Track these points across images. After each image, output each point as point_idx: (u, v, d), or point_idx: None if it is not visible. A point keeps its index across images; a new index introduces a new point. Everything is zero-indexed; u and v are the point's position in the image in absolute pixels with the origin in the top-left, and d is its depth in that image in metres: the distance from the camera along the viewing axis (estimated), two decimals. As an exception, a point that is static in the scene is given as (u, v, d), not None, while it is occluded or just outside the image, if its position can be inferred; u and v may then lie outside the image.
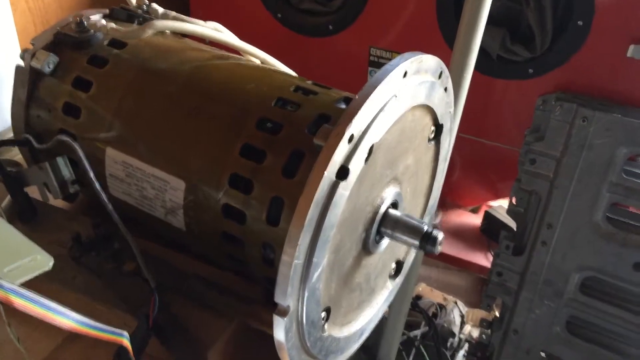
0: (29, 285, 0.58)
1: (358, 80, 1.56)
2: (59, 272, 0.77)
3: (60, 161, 0.78)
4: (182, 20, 0.86)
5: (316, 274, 0.61)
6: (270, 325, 0.61)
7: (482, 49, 1.11)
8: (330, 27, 1.52)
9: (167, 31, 0.92)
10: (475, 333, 1.74)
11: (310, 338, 0.65)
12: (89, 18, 0.85)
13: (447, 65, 0.98)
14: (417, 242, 0.72)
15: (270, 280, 0.63)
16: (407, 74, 0.66)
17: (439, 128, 0.81)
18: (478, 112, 1.47)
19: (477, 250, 1.73)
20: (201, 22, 0.87)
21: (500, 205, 1.77)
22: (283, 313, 0.60)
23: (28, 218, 0.85)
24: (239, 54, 0.90)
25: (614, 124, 1.23)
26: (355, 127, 0.59)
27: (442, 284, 2.01)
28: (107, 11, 0.91)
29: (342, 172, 0.59)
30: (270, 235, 0.69)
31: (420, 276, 1.98)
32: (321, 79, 0.84)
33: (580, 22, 1.28)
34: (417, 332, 1.72)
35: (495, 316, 1.53)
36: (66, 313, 0.56)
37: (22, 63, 0.83)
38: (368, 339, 1.42)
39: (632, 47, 1.24)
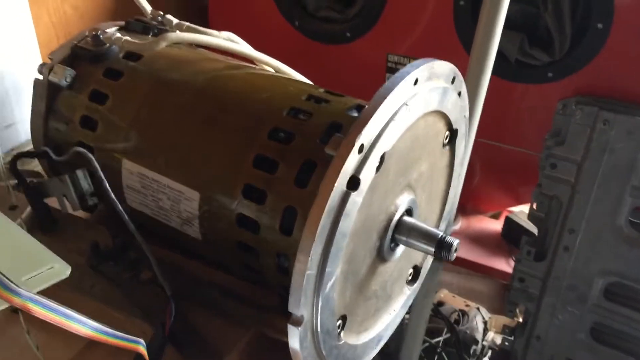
0: (49, 293, 0.59)
1: (375, 87, 1.52)
2: (78, 281, 0.79)
3: (80, 174, 0.79)
4: (196, 31, 0.86)
5: (330, 284, 0.61)
6: (286, 333, 0.62)
7: (500, 54, 1.10)
8: (348, 34, 1.53)
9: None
10: (499, 340, 1.71)
11: (325, 346, 0.65)
12: (105, 31, 0.87)
13: (465, 71, 0.97)
14: (432, 249, 0.71)
15: (286, 289, 0.63)
16: (419, 82, 0.66)
17: (453, 133, 0.80)
18: (497, 117, 1.45)
19: (499, 256, 1.71)
20: (215, 32, 0.88)
21: (521, 211, 1.75)
22: (297, 323, 0.60)
23: (48, 228, 0.86)
24: (254, 63, 0.91)
25: (635, 127, 1.21)
26: (365, 136, 0.59)
27: (464, 290, 1.99)
28: (122, 23, 0.92)
29: (353, 182, 0.59)
30: (284, 244, 0.69)
31: (442, 282, 1.97)
32: (338, 86, 0.84)
33: (599, 25, 1.26)
34: (439, 339, 1.71)
35: (518, 322, 1.51)
36: (83, 320, 0.57)
37: (40, 77, 0.85)
38: (388, 346, 1.41)
39: (652, 49, 1.22)
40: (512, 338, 1.50)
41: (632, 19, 1.24)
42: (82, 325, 0.58)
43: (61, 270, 0.64)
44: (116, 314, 0.75)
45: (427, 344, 1.67)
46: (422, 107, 0.68)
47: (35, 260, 0.65)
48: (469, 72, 1.05)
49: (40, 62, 1.24)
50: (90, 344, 0.74)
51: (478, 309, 1.82)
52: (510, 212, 1.77)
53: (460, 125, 0.81)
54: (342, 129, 0.69)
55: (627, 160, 1.23)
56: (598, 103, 1.27)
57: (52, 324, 0.56)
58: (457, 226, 1.77)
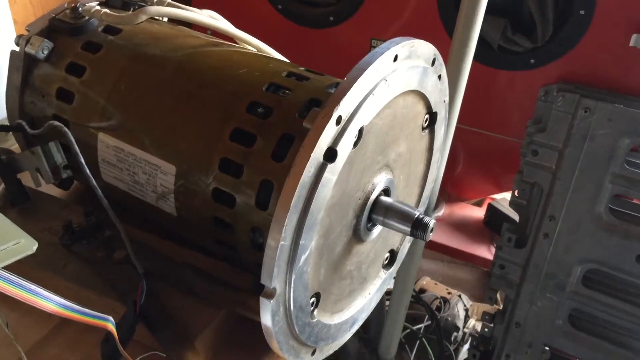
0: (20, 272, 0.58)
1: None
2: (50, 260, 0.78)
3: (52, 146, 0.78)
4: (176, 6, 0.85)
5: (303, 257, 0.61)
6: (259, 313, 0.61)
7: (483, 40, 1.10)
8: (331, 18, 1.52)
9: (163, 18, 0.92)
10: (480, 327, 1.73)
11: (298, 323, 0.65)
12: (84, 5, 0.85)
13: (447, 55, 0.97)
14: (408, 229, 0.71)
15: (260, 266, 0.62)
16: (398, 58, 0.66)
17: (432, 116, 0.80)
18: (480, 104, 1.45)
19: (481, 243, 1.72)
20: (196, 9, 0.87)
21: (503, 198, 1.75)
22: (269, 295, 0.59)
23: (20, 203, 0.85)
24: (235, 42, 0.90)
25: (616, 114, 1.22)
26: (343, 108, 0.59)
27: (447, 277, 2.00)
28: (103, -1, 0.91)
29: (330, 154, 0.58)
30: (259, 219, 0.68)
31: (424, 270, 1.98)
32: (322, 71, 0.83)
33: (582, 11, 1.26)
34: (421, 326, 1.72)
35: (498, 309, 1.52)
36: (49, 297, 0.56)
37: (17, 49, 0.83)
38: (369, 330, 1.42)
39: (635, 36, 1.23)
40: (492, 324, 1.51)
41: (614, 5, 1.24)
42: (49, 301, 0.57)
43: (27, 245, 0.63)
44: (88, 292, 0.75)
45: (408, 330, 1.68)
46: (402, 84, 0.68)
47: (1, 236, 0.63)
48: (450, 57, 1.05)
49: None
50: (62, 322, 0.73)
51: (460, 296, 1.83)
52: (493, 199, 1.78)
53: (440, 108, 0.81)
54: (321, 105, 0.69)
55: (608, 147, 1.24)
56: (579, 90, 1.27)
57: (23, 302, 0.55)
58: (439, 213, 1.77)
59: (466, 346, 1.80)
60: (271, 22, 1.58)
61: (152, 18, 0.86)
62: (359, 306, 0.80)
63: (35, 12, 1.35)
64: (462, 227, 1.76)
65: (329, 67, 1.53)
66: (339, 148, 0.59)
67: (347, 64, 1.56)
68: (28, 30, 0.84)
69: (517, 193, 1.39)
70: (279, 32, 1.58)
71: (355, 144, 0.62)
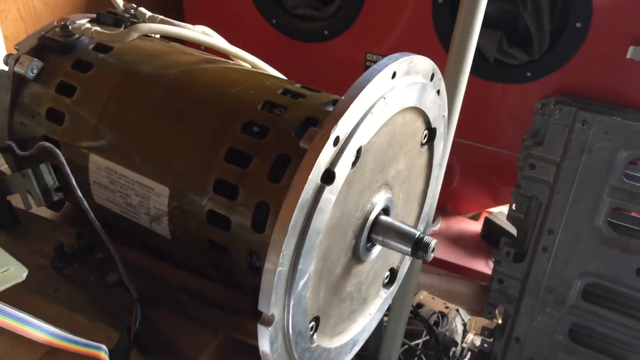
0: (9, 298, 0.56)
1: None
2: (41, 284, 0.76)
3: (44, 168, 0.76)
4: (169, 23, 0.84)
5: (302, 282, 0.59)
6: (257, 336, 0.59)
7: (479, 53, 1.10)
8: (326, 32, 1.51)
9: (155, 35, 0.91)
10: (478, 341, 1.71)
11: (297, 349, 0.63)
12: (75, 22, 0.83)
13: (444, 69, 0.96)
14: (409, 249, 0.69)
15: (257, 289, 0.60)
16: (396, 75, 0.64)
17: (432, 132, 0.78)
18: (477, 117, 1.45)
19: (478, 257, 1.71)
20: (189, 25, 0.85)
21: (500, 212, 1.75)
22: (267, 322, 0.57)
23: (10, 227, 0.83)
24: (229, 58, 0.89)
25: (613, 127, 1.21)
26: (341, 129, 0.57)
27: (444, 291, 1.98)
28: (94, 16, 0.89)
29: (328, 176, 0.57)
30: (256, 242, 0.66)
31: (421, 284, 1.96)
32: (316, 85, 0.82)
33: (578, 24, 1.26)
34: (419, 341, 1.70)
35: (497, 324, 1.50)
36: (40, 325, 0.54)
37: (6, 68, 0.82)
38: (367, 347, 1.39)
39: (631, 48, 1.22)
40: (491, 340, 1.49)
41: (611, 18, 1.24)
42: (40, 330, 0.55)
43: (17, 273, 0.62)
44: (80, 318, 0.72)
45: (406, 346, 1.65)
46: (400, 102, 0.66)
47: (-10, 263, 0.62)
48: (447, 70, 1.04)
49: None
50: (54, 349, 0.71)
51: (457, 310, 1.81)
52: (490, 213, 1.77)
53: (438, 124, 0.79)
54: (318, 124, 0.67)
55: (606, 160, 1.23)
56: (576, 103, 1.26)
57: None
58: (436, 227, 1.76)
59: (465, 361, 1.78)
60: (266, 37, 1.57)
61: (144, 35, 0.85)
62: (360, 327, 0.78)
63: (26, 28, 1.34)
64: (459, 241, 1.75)
65: (325, 81, 1.53)
66: (337, 169, 0.57)
67: (342, 78, 1.56)
68: (17, 49, 0.83)
69: (515, 207, 1.38)
70: (273, 47, 1.57)
71: (354, 164, 0.60)
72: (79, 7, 1.45)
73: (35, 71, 0.80)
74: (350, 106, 0.58)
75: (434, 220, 1.73)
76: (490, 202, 1.74)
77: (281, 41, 1.57)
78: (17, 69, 0.80)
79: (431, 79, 0.73)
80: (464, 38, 1.03)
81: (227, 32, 0.94)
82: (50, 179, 0.78)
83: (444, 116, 0.80)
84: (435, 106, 0.76)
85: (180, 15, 1.66)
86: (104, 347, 0.59)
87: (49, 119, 0.80)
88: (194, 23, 1.64)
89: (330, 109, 0.70)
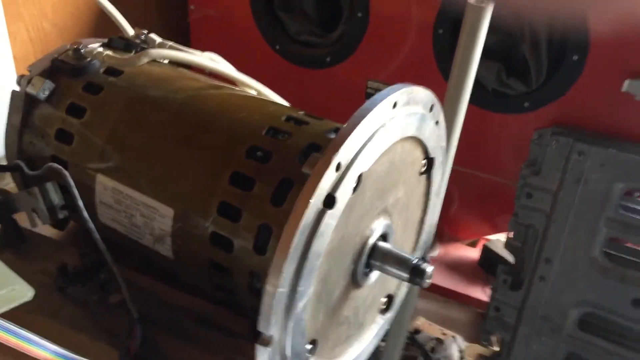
0: (12, 316, 0.57)
1: (355, 112, 1.56)
2: (44, 303, 0.77)
3: (50, 186, 0.77)
4: (178, 49, 0.86)
5: (301, 304, 0.60)
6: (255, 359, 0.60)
7: (478, 83, 1.12)
8: (328, 59, 1.54)
9: (164, 60, 0.93)
10: (474, 369, 1.71)
11: (295, 370, 0.64)
12: (87, 46, 0.86)
13: (443, 98, 0.98)
14: (406, 275, 0.71)
15: (257, 311, 0.62)
16: (397, 105, 0.67)
17: (430, 161, 0.80)
18: (475, 146, 1.47)
19: (475, 284, 1.72)
20: (198, 52, 0.88)
21: (498, 239, 1.76)
22: (266, 343, 0.59)
23: (16, 245, 0.84)
24: (236, 85, 0.91)
25: (609, 159, 1.23)
26: (342, 155, 0.59)
27: (441, 317, 1.98)
28: (105, 40, 0.92)
29: (329, 200, 0.59)
30: (257, 263, 0.68)
31: (419, 309, 1.96)
32: (318, 110, 0.84)
33: (575, 57, 1.29)
34: (415, 368, 1.70)
35: (494, 352, 1.51)
36: (43, 344, 0.55)
37: (18, 89, 0.84)
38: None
39: (627, 81, 1.25)
40: (487, 367, 1.49)
41: (607, 51, 1.27)
42: (42, 349, 0.56)
43: (23, 292, 0.63)
44: (82, 337, 0.73)
45: (402, 372, 1.65)
46: (400, 131, 0.68)
47: (-4, 282, 0.63)
48: (446, 100, 1.06)
49: (15, 78, 1.24)
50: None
51: (454, 337, 1.82)
52: (488, 240, 1.78)
53: (437, 154, 0.81)
54: (320, 150, 0.69)
55: (601, 191, 1.25)
56: (573, 134, 1.29)
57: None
58: (434, 253, 1.77)
59: (461, 388, 1.78)
60: (269, 62, 1.60)
61: (154, 60, 0.87)
62: (356, 353, 0.79)
63: (34, 49, 1.36)
64: (456, 267, 1.76)
65: (326, 107, 1.56)
66: (338, 194, 0.59)
67: (344, 104, 1.59)
68: (29, 70, 0.85)
69: (513, 235, 1.40)
70: (276, 72, 1.60)
71: (355, 189, 0.62)
72: (86, 29, 1.48)
73: (46, 92, 0.82)
74: (352, 133, 0.60)
75: (432, 247, 1.75)
76: (489, 229, 1.75)
77: (284, 66, 1.60)
78: (30, 89, 0.82)
79: (430, 110, 0.75)
80: (463, 68, 1.05)
81: (232, 57, 0.97)
82: (56, 198, 0.79)
83: (442, 146, 0.82)
84: (434, 136, 0.78)
85: (186, 37, 1.69)
86: (105, 366, 0.60)
87: (58, 139, 0.82)
88: (199, 46, 1.68)
89: (333, 136, 0.72)
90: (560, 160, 1.28)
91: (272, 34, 1.58)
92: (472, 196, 1.61)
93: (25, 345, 0.55)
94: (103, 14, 0.96)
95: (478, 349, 1.76)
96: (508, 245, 1.42)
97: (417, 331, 1.83)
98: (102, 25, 1.48)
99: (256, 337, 0.59)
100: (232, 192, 0.70)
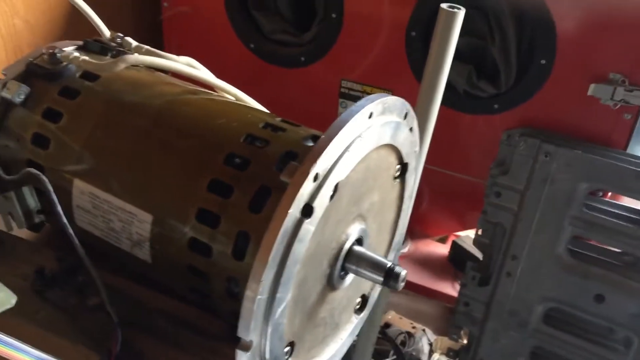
0: (-10, 320, 0.58)
1: (329, 110, 1.58)
2: (22, 306, 0.77)
3: (26, 191, 0.78)
4: (156, 54, 0.87)
5: (280, 309, 0.62)
6: (234, 360, 0.62)
7: (449, 84, 1.14)
8: (303, 58, 1.55)
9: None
10: (443, 361, 1.75)
11: (273, 373, 0.66)
12: (62, 50, 0.86)
13: (415, 99, 1.00)
14: (380, 279, 0.73)
15: (235, 314, 0.63)
16: (373, 115, 0.68)
17: (404, 167, 0.83)
18: (446, 145, 1.50)
19: (445, 280, 1.75)
20: (174, 57, 0.88)
21: (467, 235, 1.79)
22: (246, 348, 0.60)
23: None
24: (213, 89, 0.92)
25: (575, 160, 1.27)
26: (320, 166, 0.61)
27: (411, 311, 2.02)
28: (80, 43, 0.91)
29: (307, 210, 0.60)
30: (235, 269, 0.69)
31: (389, 303, 1.99)
32: (293, 109, 0.85)
33: (543, 61, 1.32)
34: (386, 361, 1.73)
35: (463, 345, 1.55)
36: (25, 349, 0.56)
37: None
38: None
39: (592, 86, 1.29)
40: (456, 361, 1.53)
41: (574, 57, 1.30)
42: (24, 354, 0.57)
43: (6, 299, 0.63)
44: (61, 341, 0.73)
45: (373, 366, 1.68)
46: (375, 140, 0.70)
47: (-22, 289, 0.63)
48: (419, 101, 1.08)
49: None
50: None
51: (424, 330, 1.85)
52: (457, 236, 1.82)
53: (410, 159, 0.83)
54: (297, 158, 0.71)
55: (567, 190, 1.29)
56: (540, 135, 1.32)
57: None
58: (405, 249, 1.80)
59: (430, 380, 1.82)
60: (243, 61, 1.60)
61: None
62: (332, 352, 0.81)
63: (5, 45, 1.34)
64: (426, 263, 1.80)
65: (301, 105, 1.57)
66: (315, 204, 0.61)
67: (318, 102, 1.61)
68: (4, 74, 0.85)
69: (481, 232, 1.43)
70: (250, 71, 1.60)
71: (331, 197, 0.64)
72: (58, 27, 1.47)
73: (22, 96, 0.82)
74: (329, 145, 0.62)
75: (403, 243, 1.77)
76: (458, 226, 1.79)
77: (259, 65, 1.60)
78: (5, 93, 0.82)
79: (404, 117, 0.77)
80: (436, 71, 1.08)
81: (206, 56, 0.97)
82: (32, 202, 0.79)
83: (415, 151, 0.84)
84: (408, 142, 0.80)
85: (159, 36, 1.68)
86: (87, 371, 0.61)
87: (34, 143, 0.82)
88: (173, 45, 1.67)
89: (310, 143, 0.74)
90: (528, 160, 1.32)
91: (247, 33, 1.58)
92: (442, 194, 1.64)
93: (6, 350, 0.56)
94: (76, 12, 0.95)
95: (447, 342, 1.80)
96: (477, 242, 1.45)
97: (387, 325, 1.86)
98: (74, 23, 1.46)
99: (236, 342, 0.61)
100: (210, 198, 0.71)
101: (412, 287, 1.74)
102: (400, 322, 1.89)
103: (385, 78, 1.50)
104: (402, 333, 1.81)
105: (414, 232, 1.85)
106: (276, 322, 0.63)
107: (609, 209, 1.31)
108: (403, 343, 1.79)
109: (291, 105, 1.40)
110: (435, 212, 1.73)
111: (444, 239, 1.90)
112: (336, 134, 0.62)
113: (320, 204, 0.62)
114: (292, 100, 1.58)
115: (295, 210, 0.59)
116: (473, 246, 1.55)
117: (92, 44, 0.89)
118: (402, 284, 0.73)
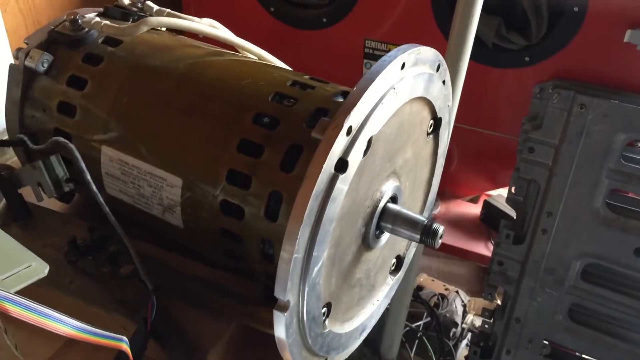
0: (26, 290, 0.57)
1: (353, 73, 1.55)
2: (55, 277, 0.76)
3: (54, 159, 0.77)
4: (177, 16, 0.85)
5: (316, 269, 0.61)
6: (270, 325, 0.61)
7: (477, 38, 1.11)
8: (324, 19, 1.51)
9: (162, 28, 0.91)
10: (478, 322, 1.74)
11: (311, 334, 0.65)
12: (84, 16, 0.84)
13: (443, 56, 0.97)
14: (417, 236, 0.71)
15: (270, 277, 0.62)
16: (405, 66, 0.66)
17: (437, 121, 0.80)
18: (475, 102, 1.46)
19: (478, 240, 1.73)
20: (196, 18, 0.86)
21: (499, 194, 1.76)
22: (283, 308, 0.59)
23: (21, 219, 0.84)
24: (235, 50, 0.90)
25: (611, 110, 1.22)
26: (353, 119, 0.59)
27: (443, 273, 2.01)
28: (101, 10, 0.90)
29: (341, 165, 0.58)
30: (269, 230, 0.68)
31: (421, 266, 1.99)
32: (316, 72, 0.83)
33: (575, 8, 1.27)
34: (420, 323, 1.73)
35: (497, 305, 1.53)
36: (63, 319, 0.55)
37: (15, 62, 0.82)
38: (370, 331, 1.42)
39: (629, 32, 1.23)
40: (492, 320, 1.51)
41: (607, 2, 1.25)
42: (62, 324, 0.56)
43: (39, 269, 0.63)
44: (96, 310, 0.74)
45: (407, 328, 1.68)
46: (409, 92, 0.68)
47: (12, 259, 0.63)
48: (447, 57, 1.05)
49: (9, 50, 1.21)
50: (71, 341, 0.72)
51: (457, 292, 1.84)
52: (489, 195, 1.79)
53: (444, 113, 0.81)
54: (328, 114, 0.69)
55: (604, 143, 1.25)
56: (574, 87, 1.28)
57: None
58: (436, 211, 1.78)
59: (464, 341, 1.81)
60: (264, 25, 1.57)
61: (152, 28, 0.86)
62: (368, 313, 0.80)
63: (25, 21, 1.33)
64: (458, 224, 1.77)
65: (324, 68, 1.54)
66: (349, 158, 0.59)
67: (342, 65, 1.57)
68: (26, 43, 0.83)
69: (514, 190, 1.40)
70: (271, 34, 1.57)
71: (365, 152, 0.62)
72: (78, 0, 1.45)
73: (45, 65, 0.81)
74: (362, 97, 0.59)
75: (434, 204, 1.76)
76: (490, 185, 1.76)
77: (280, 29, 1.57)
78: (28, 62, 0.81)
79: (437, 70, 0.74)
80: (463, 25, 1.04)
81: (226, 21, 0.94)
82: (60, 171, 0.79)
83: (448, 105, 0.82)
84: (441, 96, 0.77)
85: (178, 4, 1.66)
86: (124, 338, 0.60)
87: (61, 112, 0.81)
88: (192, 11, 1.64)
89: (340, 99, 0.72)
90: (562, 113, 1.27)
91: (266, -4, 1.55)
92: (473, 152, 1.61)
93: (44, 320, 0.55)
94: (93, -18, 0.94)
95: (480, 302, 1.79)
96: (510, 200, 1.42)
97: (420, 288, 1.85)
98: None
99: (273, 304, 0.60)
100: (240, 159, 0.69)
101: (445, 249, 1.73)
102: (432, 285, 1.88)
103: (411, 35, 1.46)
104: (435, 295, 1.81)
105: (444, 193, 1.82)
106: (313, 281, 0.61)
107: (648, 160, 1.27)
108: (436, 305, 1.79)
109: (313, 68, 1.36)
110: (466, 172, 1.70)
111: (475, 199, 1.87)
112: (369, 85, 0.60)
113: (354, 159, 0.60)
114: (314, 63, 1.55)
115: (329, 166, 0.57)
116: (506, 204, 1.52)
117: (113, 10, 0.88)
118: (439, 241, 0.71)
